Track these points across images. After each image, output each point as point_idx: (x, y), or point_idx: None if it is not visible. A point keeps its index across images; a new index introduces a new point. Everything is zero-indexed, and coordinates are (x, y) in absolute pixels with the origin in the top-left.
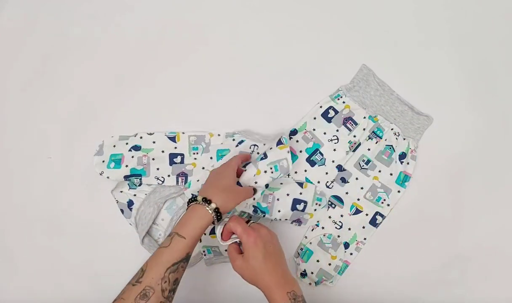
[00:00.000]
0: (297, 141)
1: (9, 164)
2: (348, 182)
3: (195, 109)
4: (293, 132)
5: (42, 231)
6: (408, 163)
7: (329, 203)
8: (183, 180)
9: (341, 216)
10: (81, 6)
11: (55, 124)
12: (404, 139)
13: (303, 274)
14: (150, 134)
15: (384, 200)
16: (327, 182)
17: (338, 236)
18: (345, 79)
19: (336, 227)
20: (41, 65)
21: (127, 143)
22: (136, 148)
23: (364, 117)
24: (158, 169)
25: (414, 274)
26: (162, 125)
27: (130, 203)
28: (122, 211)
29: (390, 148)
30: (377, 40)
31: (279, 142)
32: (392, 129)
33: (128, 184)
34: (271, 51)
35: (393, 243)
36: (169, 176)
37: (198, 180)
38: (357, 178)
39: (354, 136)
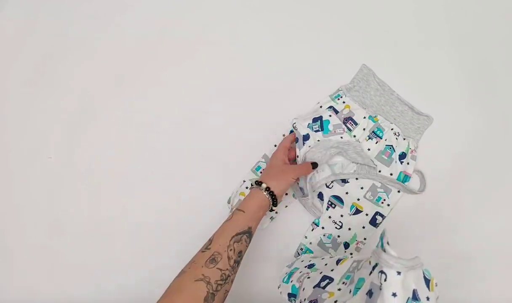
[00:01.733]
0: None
1: (9, 164)
2: (348, 182)
3: (195, 109)
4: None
5: (42, 231)
6: (408, 163)
7: (329, 203)
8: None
9: (341, 216)
10: (81, 6)
11: (55, 124)
12: (404, 139)
13: None
14: None
15: (384, 200)
16: (327, 182)
17: (338, 236)
18: (345, 79)
19: (336, 227)
20: (41, 65)
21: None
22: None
23: (364, 117)
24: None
25: None
26: (162, 125)
27: (306, 137)
28: (297, 139)
29: (390, 148)
30: (377, 40)
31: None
32: (392, 129)
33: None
34: (271, 51)
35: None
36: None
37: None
38: (357, 178)
39: (354, 136)
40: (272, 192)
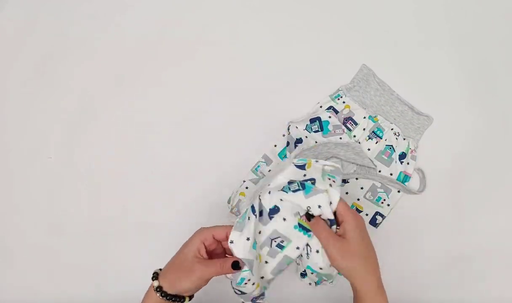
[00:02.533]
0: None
1: (9, 164)
2: (348, 182)
3: (195, 109)
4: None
5: (42, 231)
6: (408, 163)
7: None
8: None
9: None
10: (81, 6)
11: (55, 124)
12: (404, 139)
13: (303, 274)
14: None
15: (384, 200)
16: None
17: None
18: (345, 79)
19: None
20: (41, 65)
21: None
22: None
23: (364, 117)
24: None
25: (414, 274)
26: (162, 125)
27: (299, 141)
28: (287, 143)
29: (390, 148)
30: (377, 40)
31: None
32: (392, 129)
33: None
34: (271, 51)
35: (393, 243)
36: None
37: None
38: (357, 178)
39: (354, 136)
40: (166, 292)
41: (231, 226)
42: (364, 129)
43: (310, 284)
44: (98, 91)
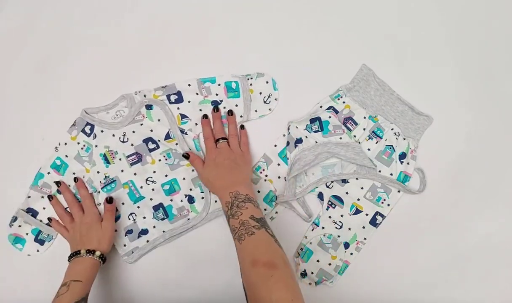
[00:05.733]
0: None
1: (9, 163)
2: (348, 182)
3: None
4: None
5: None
6: (408, 163)
7: (329, 203)
8: None
9: (341, 216)
10: (81, 6)
11: (55, 124)
12: (404, 139)
13: (303, 274)
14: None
15: (384, 200)
16: (327, 182)
17: (338, 236)
18: (345, 79)
19: (336, 227)
20: (41, 65)
21: None
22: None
23: (364, 117)
24: None
25: (414, 274)
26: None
27: (299, 141)
28: (288, 143)
29: (390, 148)
30: (377, 40)
31: None
32: (392, 129)
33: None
34: (271, 51)
35: (393, 243)
36: None
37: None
38: (357, 178)
39: (354, 136)
40: (103, 256)
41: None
42: (364, 129)
43: (310, 284)
44: (98, 91)
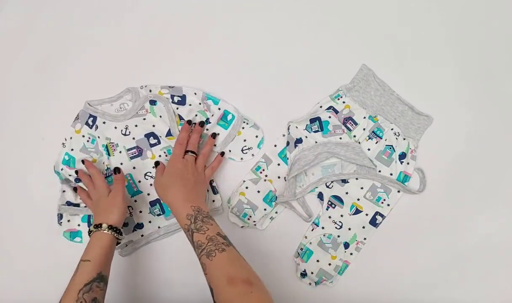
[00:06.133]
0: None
1: (9, 163)
2: (348, 182)
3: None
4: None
5: (42, 231)
6: (408, 163)
7: (329, 203)
8: None
9: (341, 216)
10: (81, 6)
11: (55, 123)
12: (404, 139)
13: (303, 274)
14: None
15: (384, 200)
16: (327, 182)
17: (338, 236)
18: (345, 79)
19: (336, 227)
20: (41, 65)
21: None
22: None
23: (364, 117)
24: None
25: (414, 274)
26: None
27: (299, 141)
28: (288, 143)
29: (390, 148)
30: (377, 40)
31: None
32: (392, 129)
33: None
34: (271, 51)
35: (393, 243)
36: None
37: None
38: (357, 178)
39: (354, 136)
40: (115, 227)
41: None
42: (364, 129)
43: (310, 284)
44: (98, 91)
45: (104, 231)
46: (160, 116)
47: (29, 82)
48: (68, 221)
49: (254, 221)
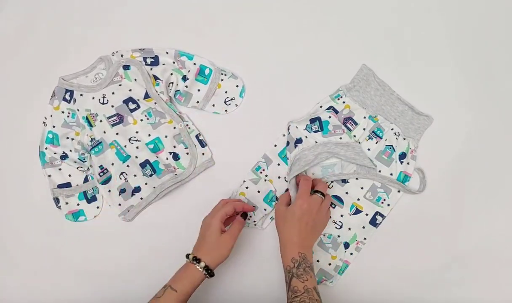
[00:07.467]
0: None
1: (9, 163)
2: (348, 182)
3: (195, 109)
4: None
5: (42, 231)
6: (408, 163)
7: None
8: None
9: (341, 216)
10: (81, 6)
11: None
12: (404, 139)
13: None
14: None
15: (384, 200)
16: (327, 182)
17: (338, 236)
18: (345, 79)
19: (336, 227)
20: (41, 65)
21: None
22: None
23: (364, 117)
24: None
25: (414, 274)
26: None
27: (299, 141)
28: (288, 143)
29: (390, 148)
30: (377, 40)
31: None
32: (392, 129)
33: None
34: (271, 51)
35: (393, 243)
36: None
37: None
38: (357, 178)
39: (354, 136)
40: (209, 268)
41: (246, 204)
42: (364, 129)
43: None
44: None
45: (199, 269)
46: (135, 80)
47: (29, 82)
48: (66, 203)
49: (254, 221)
